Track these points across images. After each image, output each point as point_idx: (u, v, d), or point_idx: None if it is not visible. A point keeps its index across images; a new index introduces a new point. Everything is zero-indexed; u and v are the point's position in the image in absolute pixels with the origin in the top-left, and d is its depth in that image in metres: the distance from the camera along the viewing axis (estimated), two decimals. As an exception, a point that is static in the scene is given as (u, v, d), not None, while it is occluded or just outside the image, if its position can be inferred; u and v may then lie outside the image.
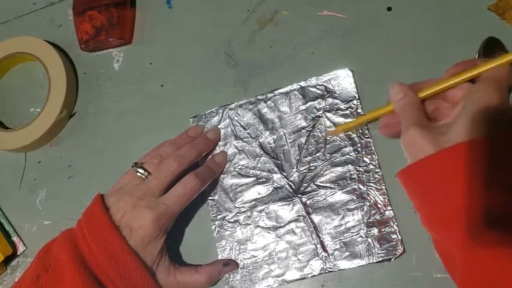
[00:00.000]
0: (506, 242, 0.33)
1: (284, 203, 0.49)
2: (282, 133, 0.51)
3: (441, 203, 0.37)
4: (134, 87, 0.58)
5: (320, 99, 0.50)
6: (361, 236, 0.45)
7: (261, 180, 0.50)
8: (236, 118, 0.52)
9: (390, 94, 0.43)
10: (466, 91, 0.40)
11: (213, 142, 0.52)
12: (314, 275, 0.46)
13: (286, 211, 0.48)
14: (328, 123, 0.49)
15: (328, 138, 0.49)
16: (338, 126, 0.48)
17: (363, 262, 0.45)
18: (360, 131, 0.48)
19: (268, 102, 0.52)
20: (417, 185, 0.39)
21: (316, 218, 0.47)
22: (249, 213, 0.49)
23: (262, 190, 0.50)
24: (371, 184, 0.46)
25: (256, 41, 0.55)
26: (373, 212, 0.46)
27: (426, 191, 0.38)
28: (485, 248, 0.34)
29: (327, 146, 0.49)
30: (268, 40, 0.54)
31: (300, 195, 0.48)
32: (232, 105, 0.53)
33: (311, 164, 0.49)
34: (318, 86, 0.50)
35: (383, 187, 0.46)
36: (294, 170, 0.49)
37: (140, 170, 0.48)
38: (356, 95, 0.49)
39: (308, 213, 0.48)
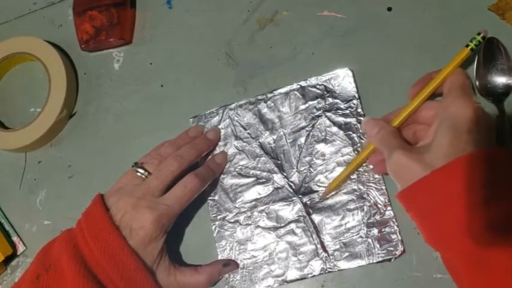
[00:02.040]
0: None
1: (284, 203, 0.49)
2: (282, 133, 0.51)
3: (443, 222, 0.37)
4: (134, 87, 0.58)
5: (319, 99, 0.50)
6: (361, 236, 0.45)
7: (261, 181, 0.50)
8: (236, 118, 0.52)
9: (366, 131, 0.44)
10: (437, 108, 0.41)
11: (213, 142, 0.52)
12: (314, 275, 0.46)
13: (286, 211, 0.48)
14: (328, 122, 0.49)
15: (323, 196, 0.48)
16: (328, 185, 0.47)
17: (363, 262, 0.45)
18: (361, 131, 0.48)
19: (268, 102, 0.52)
20: (417, 207, 0.39)
21: (316, 218, 0.47)
22: (249, 214, 0.49)
23: (262, 190, 0.50)
24: (371, 184, 0.46)
25: (256, 41, 0.55)
26: (373, 212, 0.46)
27: (427, 212, 0.38)
28: (491, 265, 0.34)
29: (328, 144, 0.49)
30: (268, 40, 0.54)
31: (300, 196, 0.48)
32: (232, 106, 0.53)
33: (311, 164, 0.49)
34: (318, 86, 0.50)
35: (383, 187, 0.46)
36: (294, 170, 0.49)
37: (140, 170, 0.48)
38: (356, 95, 0.49)
39: (308, 214, 0.48)
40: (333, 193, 0.47)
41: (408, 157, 0.38)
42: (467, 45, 0.42)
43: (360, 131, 0.48)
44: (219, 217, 0.50)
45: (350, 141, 0.48)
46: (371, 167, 0.47)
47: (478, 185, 0.35)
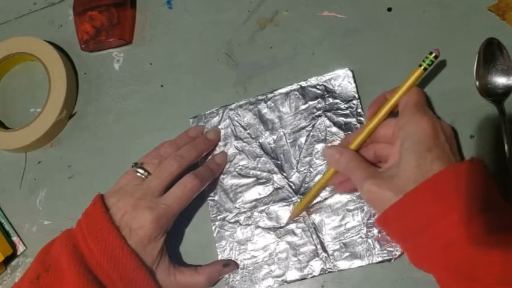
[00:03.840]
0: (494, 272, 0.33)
1: (284, 204, 0.49)
2: (282, 133, 0.51)
3: (421, 242, 0.37)
4: (134, 87, 0.58)
5: (319, 99, 0.50)
6: (361, 237, 0.45)
7: (261, 181, 0.50)
8: (236, 118, 0.52)
9: (327, 158, 0.45)
10: (395, 127, 0.41)
11: (213, 142, 0.52)
12: (314, 276, 0.46)
13: (286, 211, 0.48)
14: (328, 122, 0.49)
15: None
16: (294, 209, 0.47)
17: (363, 263, 0.45)
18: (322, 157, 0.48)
19: (269, 102, 0.52)
20: (395, 230, 0.39)
21: (316, 218, 0.47)
22: (249, 214, 0.49)
23: (262, 190, 0.50)
24: (371, 184, 0.46)
25: (257, 41, 0.55)
26: (373, 212, 0.46)
27: (405, 234, 0.38)
28: (477, 276, 0.34)
29: (328, 145, 0.49)
30: (268, 40, 0.54)
31: (300, 196, 0.48)
32: (233, 106, 0.53)
33: (311, 164, 0.49)
34: (318, 86, 0.50)
35: (383, 187, 0.46)
36: (294, 170, 0.49)
37: (140, 170, 0.48)
38: (356, 95, 0.49)
39: (308, 214, 0.48)
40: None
41: (378, 186, 0.39)
42: (420, 65, 0.42)
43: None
44: (219, 217, 0.50)
45: (350, 142, 0.48)
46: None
47: (449, 201, 0.35)
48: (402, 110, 0.41)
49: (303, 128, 0.50)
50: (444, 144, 0.39)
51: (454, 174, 0.36)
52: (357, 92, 0.49)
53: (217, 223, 0.50)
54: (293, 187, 0.49)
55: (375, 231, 0.45)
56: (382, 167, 0.42)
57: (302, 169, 0.49)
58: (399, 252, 0.44)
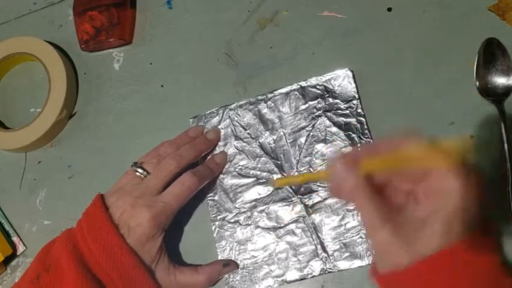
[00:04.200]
0: None
1: (284, 204, 0.49)
2: (282, 133, 0.51)
3: None
4: (134, 87, 0.58)
5: (319, 99, 0.50)
6: (361, 237, 0.45)
7: (261, 181, 0.50)
8: (236, 118, 0.52)
9: (334, 175, 0.37)
10: (432, 187, 0.35)
11: (213, 142, 0.52)
12: (314, 276, 0.46)
13: (286, 212, 0.48)
14: (328, 122, 0.49)
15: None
16: (276, 179, 0.45)
17: (363, 263, 0.45)
18: (360, 131, 0.48)
19: (269, 102, 0.52)
20: None
21: (316, 218, 0.47)
22: (249, 214, 0.49)
23: (262, 190, 0.50)
24: (371, 184, 0.46)
25: (257, 41, 0.55)
26: (373, 212, 0.46)
27: None
28: None
29: (328, 144, 0.49)
30: (268, 40, 0.54)
31: (300, 196, 0.48)
32: (232, 106, 0.53)
33: (311, 164, 0.49)
34: (318, 86, 0.50)
35: (383, 187, 0.46)
36: (294, 170, 0.49)
37: (140, 170, 0.48)
38: (356, 95, 0.49)
39: (308, 214, 0.48)
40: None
41: (396, 239, 0.34)
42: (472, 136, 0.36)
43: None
44: (218, 217, 0.50)
45: (350, 142, 0.48)
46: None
47: (457, 277, 0.33)
48: (448, 173, 0.34)
49: (303, 128, 0.50)
50: (476, 212, 0.34)
51: (448, 256, 0.33)
52: (357, 92, 0.49)
53: (217, 223, 0.50)
54: (293, 187, 0.49)
55: (375, 231, 0.45)
56: (402, 213, 0.36)
57: (302, 169, 0.49)
58: (399, 252, 0.44)
